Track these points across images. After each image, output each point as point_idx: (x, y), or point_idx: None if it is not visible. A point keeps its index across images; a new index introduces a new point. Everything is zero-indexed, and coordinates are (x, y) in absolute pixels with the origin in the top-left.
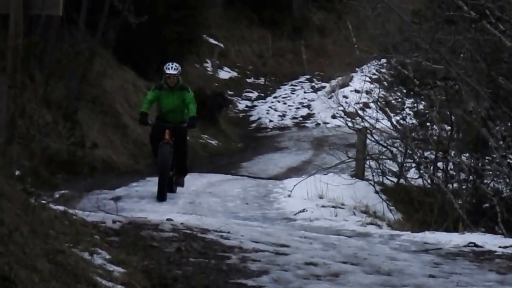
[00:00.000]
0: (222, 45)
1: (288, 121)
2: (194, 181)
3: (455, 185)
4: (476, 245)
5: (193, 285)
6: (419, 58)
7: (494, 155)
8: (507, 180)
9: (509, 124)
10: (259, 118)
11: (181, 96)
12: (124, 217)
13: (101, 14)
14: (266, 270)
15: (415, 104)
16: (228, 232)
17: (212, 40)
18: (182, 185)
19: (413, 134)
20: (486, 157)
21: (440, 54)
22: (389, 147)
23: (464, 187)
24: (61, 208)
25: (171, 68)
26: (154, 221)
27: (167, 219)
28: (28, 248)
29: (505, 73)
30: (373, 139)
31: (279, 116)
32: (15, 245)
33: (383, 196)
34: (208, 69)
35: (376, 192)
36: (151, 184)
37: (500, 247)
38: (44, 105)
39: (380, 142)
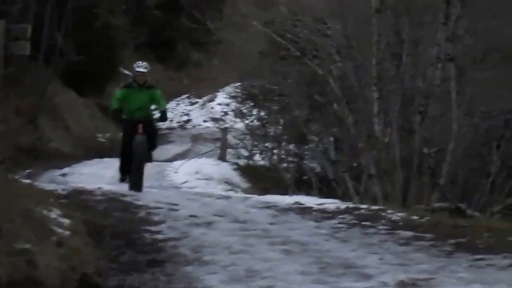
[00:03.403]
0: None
1: (175, 124)
2: (117, 163)
3: (285, 164)
4: (300, 203)
5: (116, 230)
6: (262, 82)
7: (311, 145)
8: (319, 161)
9: (321, 125)
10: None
11: (150, 94)
12: (69, 186)
13: (54, 54)
14: (164, 220)
15: (259, 112)
16: (138, 196)
17: (126, 71)
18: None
19: (257, 132)
20: (305, 146)
21: (276, 79)
22: (242, 140)
23: (291, 166)
24: (29, 181)
25: (141, 67)
26: (89, 189)
27: (98, 188)
28: (8, 207)
29: (319, 91)
30: (231, 135)
31: (169, 121)
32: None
33: (239, 172)
34: None
35: (234, 169)
36: (87, 165)
37: (315, 204)
38: (16, 113)
39: (236, 137)
